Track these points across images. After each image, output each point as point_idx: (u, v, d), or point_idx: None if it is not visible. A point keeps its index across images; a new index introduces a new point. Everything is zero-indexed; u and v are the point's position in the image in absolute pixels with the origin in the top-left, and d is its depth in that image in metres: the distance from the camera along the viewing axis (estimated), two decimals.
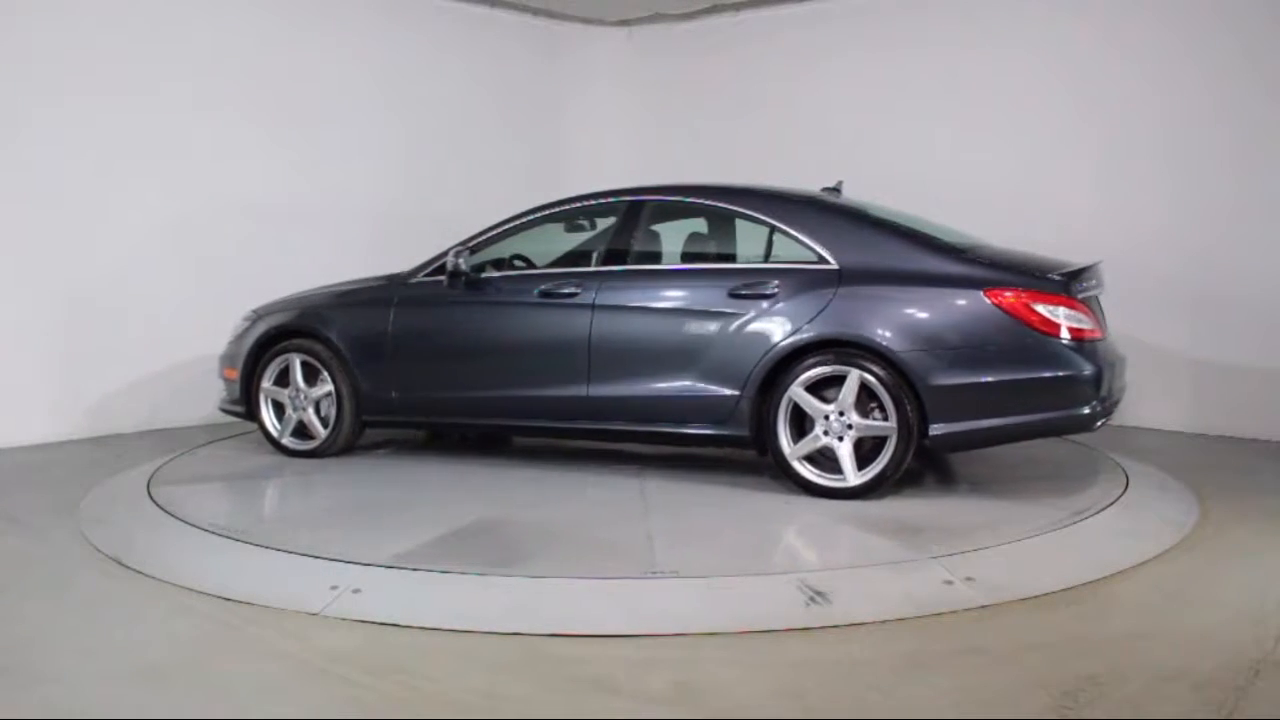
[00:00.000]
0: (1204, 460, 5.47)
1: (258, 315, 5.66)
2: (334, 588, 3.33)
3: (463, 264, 5.08)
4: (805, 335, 4.41)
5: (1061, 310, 4.22)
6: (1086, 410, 4.22)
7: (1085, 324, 4.26)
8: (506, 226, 5.23)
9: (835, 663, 2.82)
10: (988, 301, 4.24)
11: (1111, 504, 4.30)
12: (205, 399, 6.59)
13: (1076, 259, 4.63)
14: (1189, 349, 6.25)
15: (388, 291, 5.35)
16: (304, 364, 5.38)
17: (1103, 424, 4.34)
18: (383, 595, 3.31)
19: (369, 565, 3.50)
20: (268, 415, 5.52)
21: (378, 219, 7.34)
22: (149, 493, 4.58)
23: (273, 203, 6.85)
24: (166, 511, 4.25)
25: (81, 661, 2.86)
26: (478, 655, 2.91)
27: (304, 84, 6.98)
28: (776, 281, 4.54)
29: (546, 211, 5.22)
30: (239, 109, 6.67)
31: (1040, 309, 4.21)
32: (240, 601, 3.29)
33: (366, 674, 2.77)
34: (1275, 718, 2.50)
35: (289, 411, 5.45)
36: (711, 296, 4.64)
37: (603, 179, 6.08)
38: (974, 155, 6.90)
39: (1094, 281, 4.55)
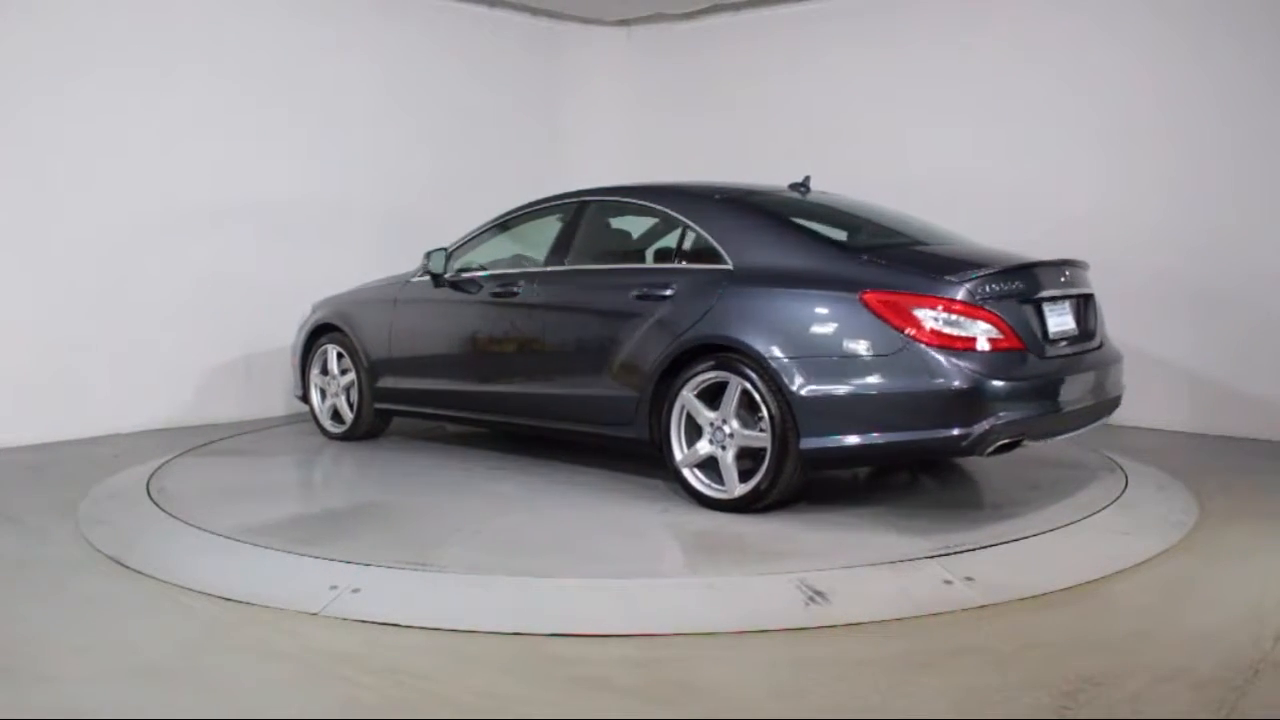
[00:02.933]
0: (1203, 460, 5.47)
1: (314, 309, 6.12)
2: (333, 588, 3.33)
3: (432, 265, 5.36)
4: (690, 338, 4.24)
5: (945, 316, 3.83)
6: (974, 431, 3.75)
7: (980, 332, 3.85)
8: (487, 228, 5.46)
9: (835, 662, 2.82)
10: (862, 305, 3.91)
11: (1111, 504, 4.30)
12: (206, 400, 6.62)
13: (1059, 257, 4.41)
14: (1189, 348, 6.24)
15: (390, 290, 5.71)
16: (339, 355, 5.88)
17: (999, 448, 3.87)
18: (382, 595, 3.31)
19: (367, 565, 3.50)
20: (316, 400, 6.05)
21: (379, 217, 7.34)
22: (149, 493, 4.58)
23: (271, 202, 6.84)
24: (166, 511, 4.25)
25: (81, 661, 2.86)
26: (478, 655, 2.91)
27: (303, 84, 6.97)
28: (674, 283, 4.44)
29: (520, 213, 5.38)
30: (237, 109, 6.67)
31: (920, 314, 3.84)
32: (240, 601, 3.29)
33: (366, 674, 2.77)
34: (1275, 718, 2.50)
35: (328, 397, 5.98)
36: (620, 297, 4.60)
37: (603, 177, 6.10)
38: (976, 152, 6.89)
39: (1017, 284, 4.05)
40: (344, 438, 5.90)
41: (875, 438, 3.89)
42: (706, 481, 4.26)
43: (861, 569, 3.49)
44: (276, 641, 3.00)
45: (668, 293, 4.41)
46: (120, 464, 5.27)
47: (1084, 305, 4.44)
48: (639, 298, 4.50)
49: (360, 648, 2.94)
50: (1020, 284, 4.07)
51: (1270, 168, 5.95)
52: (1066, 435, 4.28)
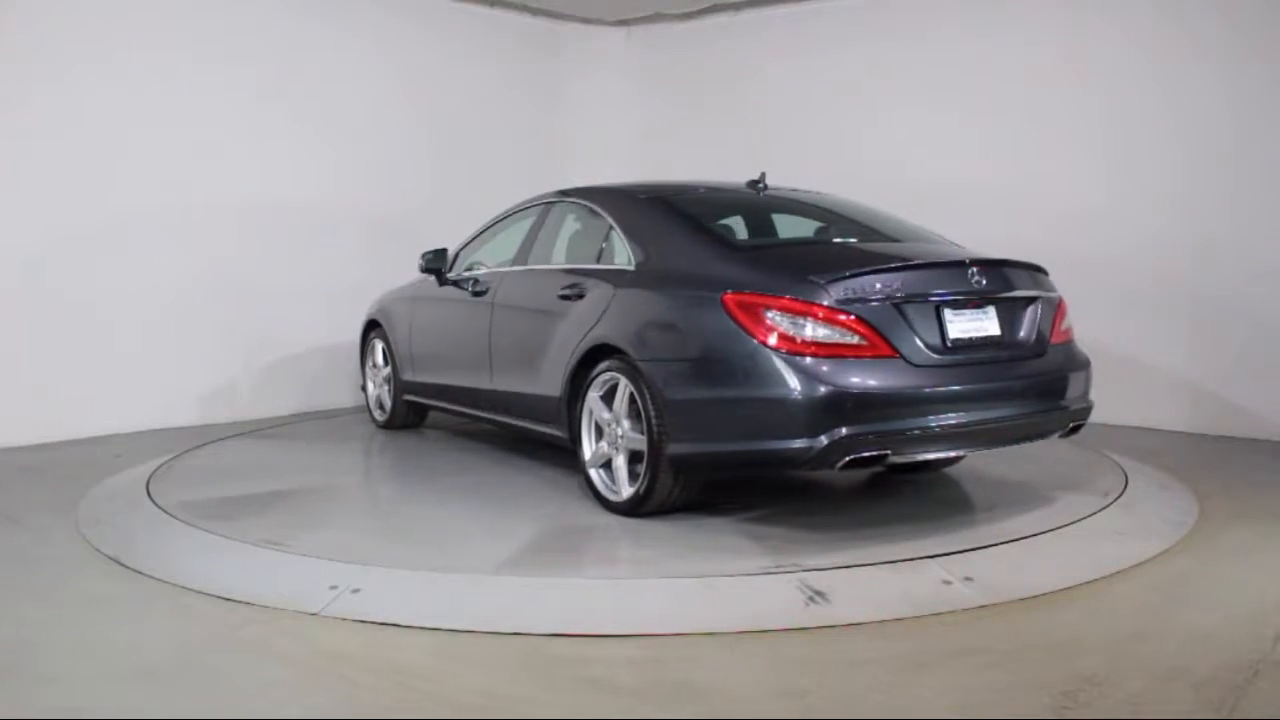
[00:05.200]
0: (1203, 460, 5.47)
1: (371, 305, 6.48)
2: (333, 588, 3.33)
3: (426, 264, 5.67)
4: (592, 339, 4.24)
5: (796, 318, 3.63)
6: (817, 445, 3.52)
7: (835, 336, 3.62)
8: (486, 227, 5.66)
9: (835, 663, 2.82)
10: (721, 306, 3.74)
11: (1111, 504, 4.30)
12: (207, 400, 6.62)
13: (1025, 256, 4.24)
14: (1189, 348, 6.24)
15: (412, 289, 6.05)
16: (382, 350, 6.28)
17: (854, 462, 3.60)
18: (382, 595, 3.31)
19: (368, 565, 3.50)
20: (370, 390, 6.47)
21: (380, 216, 7.35)
22: (149, 493, 4.58)
23: (272, 201, 6.85)
24: (166, 511, 4.25)
25: (81, 661, 2.86)
26: (478, 655, 2.91)
27: (301, 83, 6.97)
28: (588, 283, 4.44)
29: (511, 213, 5.51)
30: (237, 107, 6.67)
31: (771, 316, 3.65)
32: (240, 601, 3.29)
33: (366, 674, 2.77)
34: (1275, 718, 2.50)
35: (375, 388, 6.41)
36: (548, 298, 4.64)
37: (602, 177, 6.10)
38: (976, 150, 6.90)
39: (897, 285, 3.74)
40: (385, 427, 6.31)
41: (731, 446, 3.78)
42: (606, 483, 4.23)
43: (861, 569, 3.48)
44: (276, 641, 3.00)
45: (581, 293, 4.45)
46: (120, 464, 5.27)
47: (1021, 310, 4.05)
48: (562, 298, 4.55)
49: (360, 648, 2.94)
50: (902, 285, 3.76)
51: (1273, 169, 5.95)
52: (980, 450, 4.10)
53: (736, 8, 7.91)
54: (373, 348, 6.37)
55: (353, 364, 6.94)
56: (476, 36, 7.92)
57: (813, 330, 3.62)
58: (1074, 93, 6.56)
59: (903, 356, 3.67)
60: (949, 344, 3.79)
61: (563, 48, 8.42)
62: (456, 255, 5.71)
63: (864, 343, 3.63)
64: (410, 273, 6.09)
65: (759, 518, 4.13)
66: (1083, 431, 4.25)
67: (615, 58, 8.52)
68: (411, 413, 6.20)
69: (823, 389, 3.53)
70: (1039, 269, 4.24)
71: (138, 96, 6.23)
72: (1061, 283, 4.35)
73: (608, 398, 4.21)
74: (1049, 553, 3.73)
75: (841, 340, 3.62)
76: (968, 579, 3.39)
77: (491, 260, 5.53)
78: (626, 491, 4.10)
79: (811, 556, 3.56)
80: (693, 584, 3.37)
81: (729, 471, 4.19)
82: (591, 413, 4.29)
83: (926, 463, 4.68)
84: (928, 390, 3.68)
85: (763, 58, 7.85)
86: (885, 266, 3.84)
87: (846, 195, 5.11)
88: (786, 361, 3.59)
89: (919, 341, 3.72)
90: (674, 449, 3.87)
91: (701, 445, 3.84)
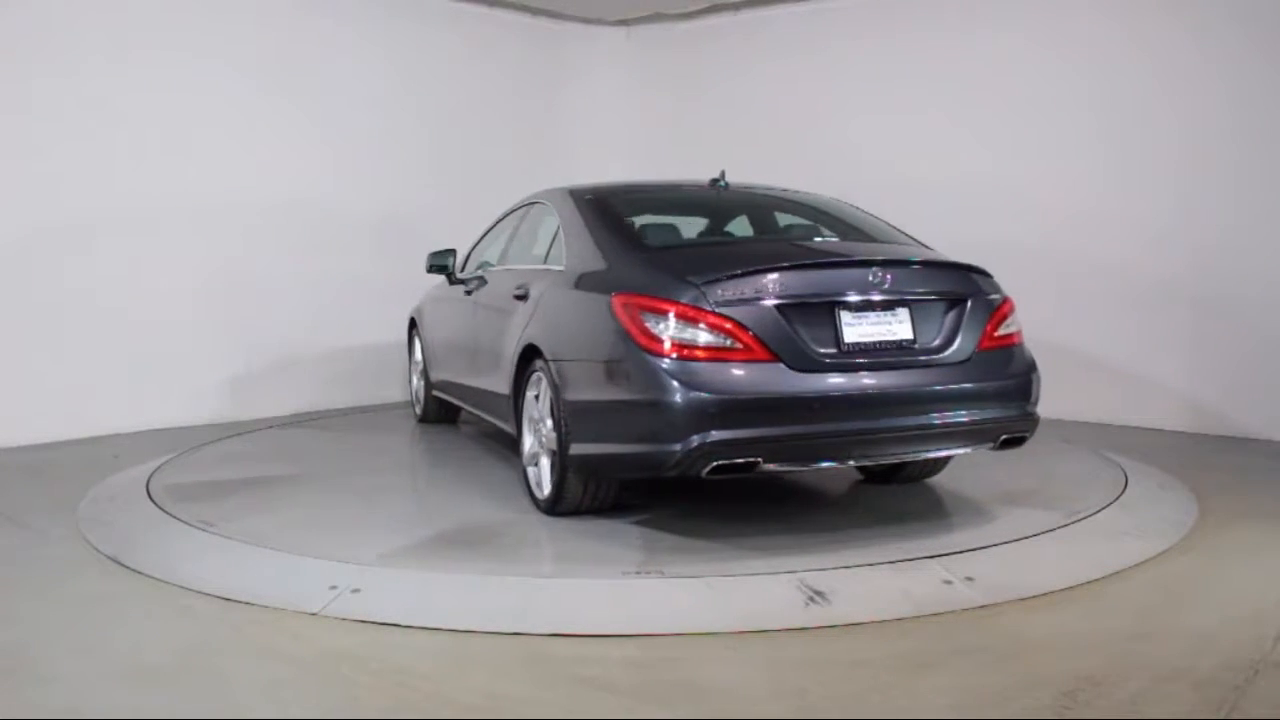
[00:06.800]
0: (1204, 460, 5.47)
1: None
2: (333, 588, 3.33)
3: (430, 265, 5.85)
4: (524, 339, 4.31)
5: (669, 321, 3.55)
6: (680, 449, 3.44)
7: (706, 339, 3.52)
8: (490, 228, 5.77)
9: (835, 662, 2.82)
10: (608, 308, 3.73)
11: (1111, 504, 4.30)
12: (207, 400, 6.62)
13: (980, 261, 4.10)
14: (1190, 348, 6.24)
15: (436, 289, 6.21)
16: (420, 347, 6.47)
17: (721, 469, 3.47)
18: (382, 595, 3.31)
19: (368, 565, 3.50)
20: (413, 384, 6.70)
21: (382, 217, 7.36)
22: (148, 493, 4.58)
23: (273, 201, 6.85)
24: (166, 511, 4.25)
25: (81, 661, 2.86)
26: (478, 655, 2.91)
27: (301, 84, 6.98)
28: (530, 284, 4.47)
29: (506, 214, 5.60)
30: (237, 107, 6.67)
31: (646, 318, 3.60)
32: (240, 601, 3.30)
33: (366, 674, 2.77)
34: (1275, 718, 2.50)
35: (415, 382, 6.62)
36: (507, 297, 4.70)
37: (603, 176, 6.12)
38: (975, 149, 6.90)
39: (782, 286, 3.61)
40: (421, 421, 6.50)
41: (618, 448, 3.75)
42: (537, 480, 4.24)
43: (861, 569, 3.48)
44: (276, 641, 3.00)
45: (525, 294, 4.50)
46: (120, 464, 5.27)
47: (942, 313, 3.85)
48: (515, 298, 4.60)
49: (360, 648, 2.94)
50: (790, 286, 3.63)
51: (1274, 169, 5.94)
52: (885, 461, 3.99)
53: (736, 8, 7.91)
54: (413, 345, 6.58)
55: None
56: (476, 36, 7.92)
57: (685, 333, 3.54)
58: (1074, 93, 6.56)
59: (783, 360, 3.54)
60: (845, 348, 3.65)
61: (563, 48, 8.42)
62: (468, 255, 5.83)
63: (738, 346, 3.52)
64: (414, 272, 6.19)
65: (646, 520, 4.08)
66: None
67: (615, 58, 8.53)
68: (442, 408, 6.27)
69: (686, 393, 3.45)
70: (977, 270, 4.01)
71: (137, 96, 6.23)
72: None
73: (539, 397, 4.24)
74: (1049, 553, 3.73)
75: (715, 343, 3.53)
76: (968, 579, 3.39)
77: (493, 260, 5.56)
78: (547, 490, 4.11)
79: (803, 557, 3.56)
80: (693, 584, 3.37)
81: (624, 473, 4.00)
82: (528, 411, 4.35)
83: (900, 468, 4.56)
84: (807, 396, 3.54)
85: (763, 58, 7.85)
86: (771, 267, 3.68)
87: (814, 191, 5.12)
88: (659, 364, 3.53)
89: (805, 345, 3.59)
90: (575, 449, 3.87)
91: (596, 446, 3.82)
